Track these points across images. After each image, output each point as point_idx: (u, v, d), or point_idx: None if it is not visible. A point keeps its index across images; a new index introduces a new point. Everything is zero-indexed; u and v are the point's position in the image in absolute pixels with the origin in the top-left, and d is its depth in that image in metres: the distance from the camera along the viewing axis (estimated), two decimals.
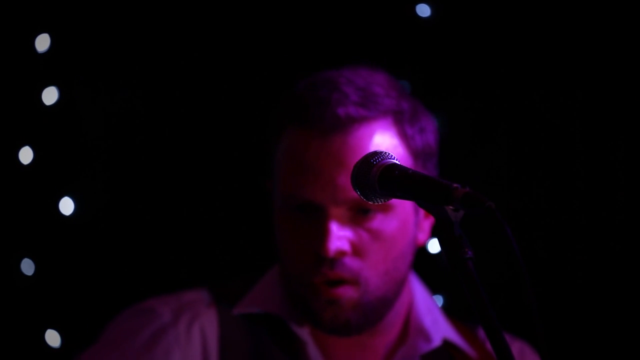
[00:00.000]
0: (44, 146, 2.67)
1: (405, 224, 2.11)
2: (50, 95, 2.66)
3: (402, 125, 2.10)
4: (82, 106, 2.69)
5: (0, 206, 2.67)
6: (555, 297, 2.68)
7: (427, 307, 2.25)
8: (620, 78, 2.65)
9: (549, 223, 2.70)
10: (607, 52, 2.65)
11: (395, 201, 2.03)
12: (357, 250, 2.07)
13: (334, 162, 2.05)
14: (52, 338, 2.66)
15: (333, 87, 2.09)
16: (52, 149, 2.68)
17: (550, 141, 2.69)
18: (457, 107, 2.68)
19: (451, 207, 1.34)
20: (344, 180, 2.03)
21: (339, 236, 2.05)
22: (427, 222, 2.18)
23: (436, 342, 2.20)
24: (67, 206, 2.67)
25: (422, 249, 2.20)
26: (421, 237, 2.18)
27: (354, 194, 1.61)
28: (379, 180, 1.42)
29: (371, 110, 2.08)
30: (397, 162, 1.44)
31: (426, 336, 2.20)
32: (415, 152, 2.12)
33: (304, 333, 2.15)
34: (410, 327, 2.21)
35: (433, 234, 2.21)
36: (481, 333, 2.28)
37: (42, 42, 2.65)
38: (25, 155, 2.66)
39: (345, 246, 2.06)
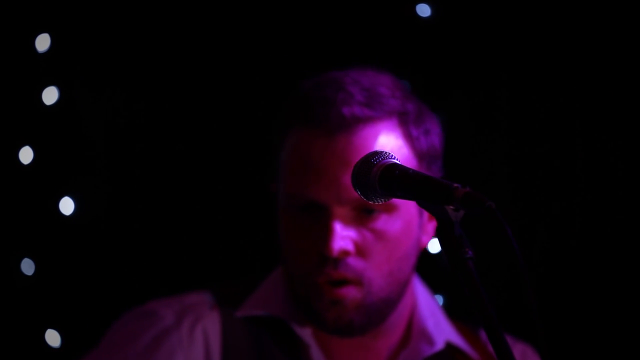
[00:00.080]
0: (44, 146, 2.67)
1: (410, 225, 2.10)
2: (50, 95, 2.66)
3: (407, 127, 2.10)
4: (82, 106, 2.69)
5: (0, 206, 2.67)
6: (555, 297, 2.68)
7: (430, 309, 2.24)
8: (620, 77, 2.65)
9: (549, 223, 2.70)
10: (607, 52, 2.65)
11: (399, 202, 2.03)
12: (360, 250, 2.06)
13: (338, 162, 2.05)
14: (52, 338, 2.66)
15: (338, 87, 2.09)
16: (52, 149, 2.68)
17: (551, 141, 2.69)
18: (457, 107, 2.68)
19: (451, 207, 1.34)
20: (349, 180, 2.03)
21: (343, 236, 2.05)
22: (431, 225, 2.17)
23: (439, 345, 2.20)
24: (67, 206, 2.67)
25: (423, 249, 2.20)
26: (425, 239, 2.17)
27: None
28: (379, 180, 1.42)
29: (376, 110, 2.08)
30: (397, 161, 1.44)
31: (429, 339, 2.19)
32: (420, 154, 2.11)
33: (307, 335, 2.15)
34: (413, 329, 2.20)
35: (434, 234, 2.21)
36: (483, 335, 2.28)
37: (42, 42, 2.65)
38: (25, 155, 2.66)
39: (349, 246, 2.05)
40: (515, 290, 2.63)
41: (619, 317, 2.66)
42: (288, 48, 2.72)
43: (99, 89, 2.70)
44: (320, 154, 2.06)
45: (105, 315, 2.36)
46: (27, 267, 2.67)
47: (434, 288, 2.34)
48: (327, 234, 2.04)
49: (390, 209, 2.07)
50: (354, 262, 2.06)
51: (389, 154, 1.44)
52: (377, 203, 1.46)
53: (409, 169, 1.41)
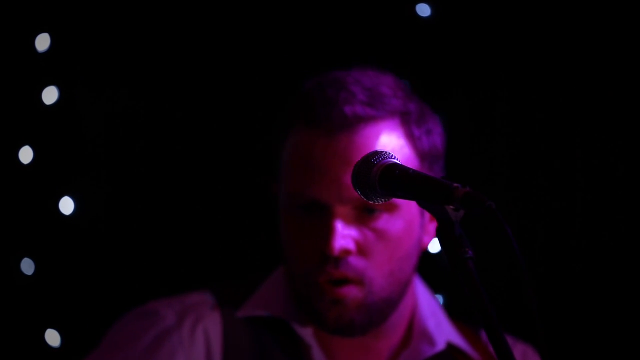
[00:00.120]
0: (44, 146, 2.67)
1: (411, 225, 2.10)
2: (50, 95, 2.66)
3: (409, 126, 2.10)
4: (82, 106, 2.69)
5: (0, 206, 2.67)
6: (556, 297, 2.68)
7: (432, 310, 2.24)
8: (620, 77, 2.65)
9: (549, 223, 2.70)
10: (607, 51, 2.65)
11: (400, 201, 2.03)
12: (362, 249, 2.06)
13: (340, 161, 2.05)
14: (52, 338, 2.66)
15: (340, 86, 2.09)
16: (52, 149, 2.68)
17: (551, 141, 2.69)
18: (457, 107, 2.68)
19: (452, 207, 1.34)
20: (350, 179, 2.03)
21: (344, 235, 2.05)
22: (433, 225, 2.17)
23: (440, 346, 2.20)
24: (67, 206, 2.67)
25: (424, 250, 2.20)
26: (426, 240, 2.17)
27: None
28: (379, 180, 1.42)
29: (378, 110, 2.08)
30: (397, 162, 1.44)
31: (430, 340, 2.19)
32: (422, 154, 2.11)
33: (309, 336, 2.15)
34: (414, 330, 2.20)
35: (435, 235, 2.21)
36: (484, 335, 2.28)
37: (42, 42, 2.65)
38: (25, 155, 2.66)
39: (350, 245, 2.05)
40: (515, 290, 2.63)
41: (619, 317, 2.66)
42: (287, 48, 2.72)
43: (99, 89, 2.70)
44: (322, 153, 2.06)
45: (105, 315, 2.37)
46: (27, 267, 2.67)
47: (434, 288, 2.34)
48: (328, 233, 2.04)
49: (391, 209, 2.07)
50: (355, 261, 2.06)
51: (389, 154, 1.44)
52: (377, 203, 1.46)
53: (409, 169, 1.41)
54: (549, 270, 2.69)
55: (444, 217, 1.35)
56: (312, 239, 2.07)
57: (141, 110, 2.72)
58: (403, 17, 2.69)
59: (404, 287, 2.14)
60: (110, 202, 2.71)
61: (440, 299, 2.63)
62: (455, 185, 1.34)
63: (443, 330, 2.22)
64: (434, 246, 2.54)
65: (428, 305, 2.24)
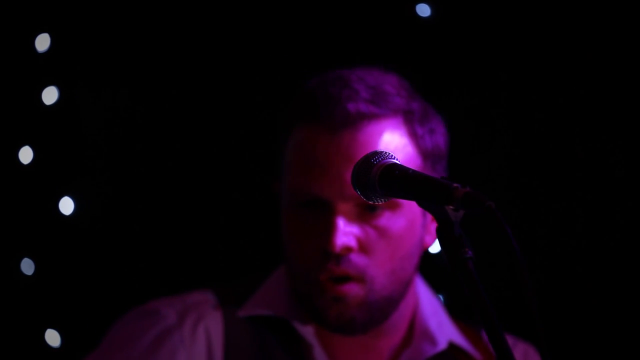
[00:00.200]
0: (44, 146, 2.67)
1: (413, 223, 2.10)
2: (50, 95, 2.66)
3: (412, 125, 2.10)
4: (82, 106, 2.69)
5: (0, 206, 2.67)
6: (556, 297, 2.68)
7: (433, 309, 2.24)
8: (620, 77, 2.65)
9: (549, 223, 2.70)
10: (607, 51, 2.65)
11: (402, 200, 2.03)
12: (363, 247, 2.06)
13: (342, 158, 2.05)
14: (52, 338, 2.66)
15: (344, 84, 2.09)
16: (52, 149, 2.68)
17: (551, 141, 2.69)
18: (457, 107, 2.68)
19: (451, 207, 1.34)
20: None
21: (346, 232, 2.05)
22: (434, 225, 2.17)
23: (442, 345, 2.19)
24: (67, 206, 2.67)
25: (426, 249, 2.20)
26: (428, 239, 2.17)
27: None
28: (379, 180, 1.42)
29: (382, 107, 2.08)
30: (397, 162, 1.44)
31: (431, 339, 2.19)
32: (424, 153, 2.11)
33: (310, 335, 2.14)
34: (416, 329, 2.20)
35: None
36: (486, 335, 2.27)
37: (42, 42, 2.65)
38: (25, 155, 2.66)
39: (352, 242, 2.05)
40: (515, 290, 2.63)
41: (619, 317, 2.66)
42: (286, 48, 2.71)
43: (99, 89, 2.70)
44: (325, 150, 2.06)
45: (105, 315, 2.36)
46: (27, 267, 2.67)
47: (434, 288, 2.34)
48: (330, 229, 2.04)
49: (393, 207, 2.07)
50: (356, 258, 2.06)
51: (389, 154, 1.44)
52: (377, 203, 1.46)
53: (408, 169, 1.41)
54: (548, 270, 2.69)
55: (443, 217, 1.35)
56: (313, 236, 2.07)
57: (141, 110, 2.72)
58: (403, 17, 2.68)
59: (405, 286, 2.14)
60: (110, 202, 2.71)
61: (440, 299, 2.63)
62: (455, 185, 1.34)
63: (444, 330, 2.22)
64: (434, 246, 2.54)
65: (429, 305, 2.24)
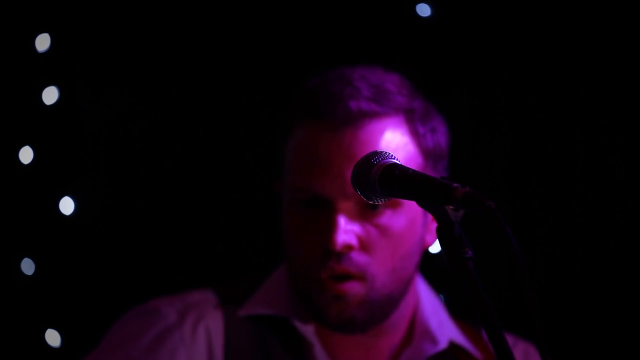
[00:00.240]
0: (44, 146, 2.67)
1: (414, 222, 2.10)
2: (50, 95, 2.66)
3: (414, 124, 2.10)
4: (82, 106, 2.69)
5: (0, 206, 2.67)
6: (556, 297, 2.68)
7: (433, 308, 2.24)
8: (620, 77, 2.65)
9: (549, 223, 2.70)
10: (608, 51, 2.65)
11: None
12: (364, 245, 2.06)
13: (344, 156, 2.05)
14: (52, 338, 2.66)
15: (346, 82, 2.09)
16: (52, 149, 2.68)
17: (551, 141, 2.69)
18: (457, 106, 2.68)
19: (451, 207, 1.34)
20: None
21: (347, 230, 2.05)
22: (435, 224, 2.17)
23: (442, 344, 2.19)
24: (67, 206, 2.67)
25: (426, 249, 2.20)
26: (429, 239, 2.17)
27: None
28: (379, 180, 1.42)
29: (383, 106, 2.08)
30: (397, 161, 1.44)
31: (432, 338, 2.19)
32: (426, 152, 2.11)
33: (310, 334, 2.14)
34: (416, 328, 2.20)
35: None
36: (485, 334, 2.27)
37: (42, 42, 2.65)
38: (25, 155, 2.66)
39: (353, 240, 2.05)
40: (515, 290, 2.63)
41: (619, 317, 2.66)
42: (287, 48, 2.71)
43: (99, 89, 2.70)
44: (326, 148, 2.06)
45: (105, 315, 2.36)
46: (27, 267, 2.67)
47: (434, 288, 2.34)
48: (331, 227, 2.04)
49: (394, 205, 2.07)
50: (357, 257, 2.06)
51: (389, 153, 1.45)
52: (377, 203, 1.46)
53: (408, 169, 1.41)
54: (548, 270, 2.69)
55: (443, 217, 1.35)
56: (314, 234, 2.07)
57: (141, 110, 2.72)
58: (403, 17, 2.69)
59: (406, 285, 2.14)
60: (110, 202, 2.71)
61: (440, 298, 2.63)
62: (455, 185, 1.34)
63: (445, 329, 2.22)
64: (434, 246, 2.54)
65: (430, 304, 2.24)
